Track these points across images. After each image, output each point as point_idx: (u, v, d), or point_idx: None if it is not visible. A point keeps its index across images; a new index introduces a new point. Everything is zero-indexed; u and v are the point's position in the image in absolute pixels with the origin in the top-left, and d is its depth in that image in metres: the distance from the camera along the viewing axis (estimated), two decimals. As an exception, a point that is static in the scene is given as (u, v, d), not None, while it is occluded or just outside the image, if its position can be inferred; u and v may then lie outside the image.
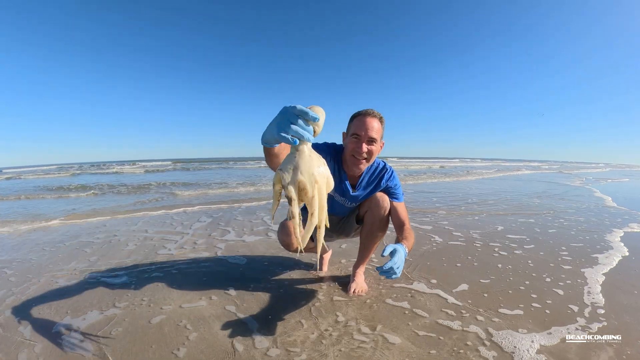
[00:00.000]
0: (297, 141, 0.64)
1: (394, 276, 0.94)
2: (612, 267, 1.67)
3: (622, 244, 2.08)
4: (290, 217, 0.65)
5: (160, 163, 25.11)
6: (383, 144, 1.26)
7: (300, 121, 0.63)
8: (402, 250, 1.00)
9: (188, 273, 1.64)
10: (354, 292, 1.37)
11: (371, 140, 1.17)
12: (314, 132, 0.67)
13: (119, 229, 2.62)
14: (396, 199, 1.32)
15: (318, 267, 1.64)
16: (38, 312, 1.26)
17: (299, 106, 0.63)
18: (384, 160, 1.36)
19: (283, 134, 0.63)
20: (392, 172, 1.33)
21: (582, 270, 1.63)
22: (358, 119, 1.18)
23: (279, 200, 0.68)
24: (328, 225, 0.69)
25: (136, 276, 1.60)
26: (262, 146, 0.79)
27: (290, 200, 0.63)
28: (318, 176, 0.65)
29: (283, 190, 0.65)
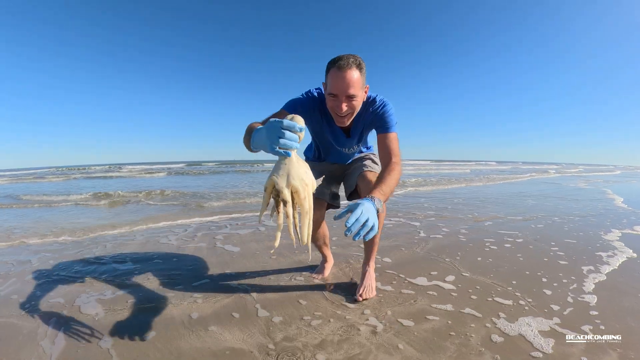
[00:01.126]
0: (291, 154, 0.74)
1: (370, 233, 0.80)
2: (614, 268, 1.71)
3: (623, 244, 2.14)
4: (285, 216, 0.74)
5: (174, 166, 25.54)
6: (367, 88, 1.16)
7: (287, 133, 0.72)
8: (364, 203, 0.84)
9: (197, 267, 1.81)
10: (360, 295, 1.30)
11: (350, 97, 1.07)
12: (299, 138, 0.75)
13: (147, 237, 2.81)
14: (386, 129, 1.20)
15: (310, 257, 1.68)
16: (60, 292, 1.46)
17: (285, 121, 0.72)
18: (376, 94, 1.25)
19: (276, 149, 0.73)
20: (384, 100, 1.22)
21: (582, 268, 1.69)
22: (332, 74, 1.05)
23: (268, 203, 0.78)
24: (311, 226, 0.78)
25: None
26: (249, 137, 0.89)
27: (285, 203, 0.73)
28: (307, 179, 0.75)
29: (272, 194, 0.75)
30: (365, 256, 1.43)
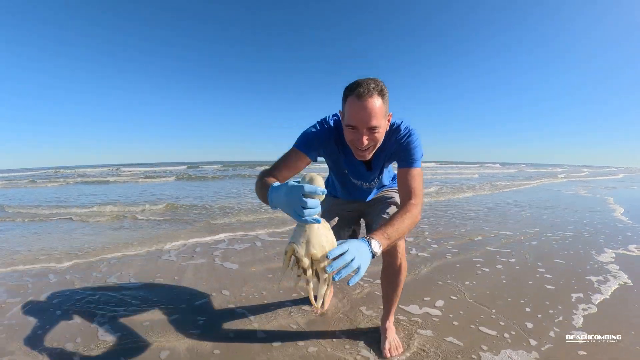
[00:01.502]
0: (320, 220, 0.71)
1: (354, 277, 0.69)
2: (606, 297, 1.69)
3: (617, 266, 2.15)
4: (305, 283, 0.74)
5: (175, 168, 25.32)
6: (390, 116, 1.02)
7: (310, 201, 0.68)
8: (356, 242, 0.74)
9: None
10: (389, 351, 1.21)
11: (372, 129, 0.93)
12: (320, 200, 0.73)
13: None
14: (409, 163, 1.05)
15: (320, 305, 1.64)
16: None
17: (306, 186, 0.69)
18: (401, 120, 1.10)
19: (304, 219, 0.69)
20: (409, 129, 1.07)
21: (572, 295, 1.68)
22: (351, 102, 0.92)
23: (288, 265, 0.76)
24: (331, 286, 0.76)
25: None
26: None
27: (305, 271, 0.72)
28: (327, 246, 0.72)
29: (293, 257, 0.74)
30: (384, 310, 1.29)
